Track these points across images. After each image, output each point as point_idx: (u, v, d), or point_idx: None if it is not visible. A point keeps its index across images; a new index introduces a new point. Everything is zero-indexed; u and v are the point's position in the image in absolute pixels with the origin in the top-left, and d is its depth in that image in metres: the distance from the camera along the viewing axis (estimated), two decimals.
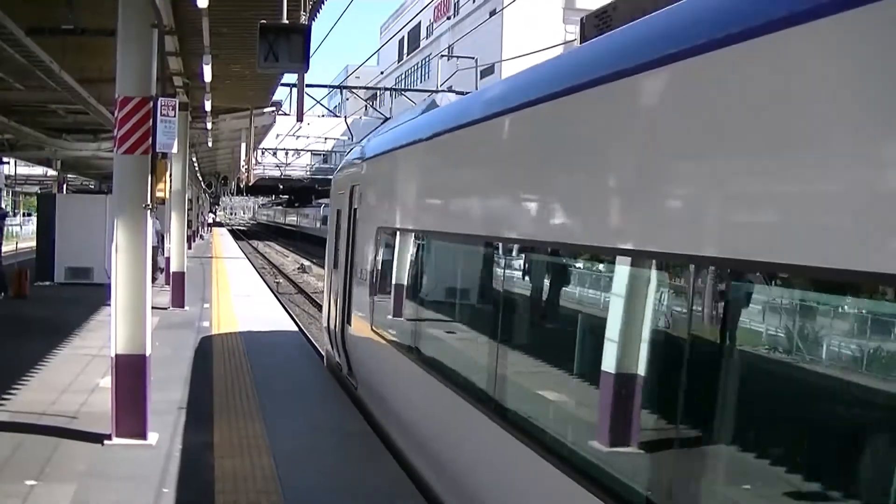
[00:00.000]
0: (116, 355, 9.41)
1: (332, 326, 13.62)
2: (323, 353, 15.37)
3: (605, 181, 5.22)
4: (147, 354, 9.51)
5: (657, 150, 4.59)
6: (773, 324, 4.01)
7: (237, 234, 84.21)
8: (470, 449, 7.08)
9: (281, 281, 37.08)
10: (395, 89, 43.14)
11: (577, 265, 5.99)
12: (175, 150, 9.82)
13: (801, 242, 3.51)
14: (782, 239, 3.64)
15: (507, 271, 6.84)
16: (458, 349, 8.08)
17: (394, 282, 9.97)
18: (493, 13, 34.95)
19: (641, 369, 4.74)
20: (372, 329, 10.70)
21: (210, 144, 31.70)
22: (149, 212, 9.56)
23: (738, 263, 3.93)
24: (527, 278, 6.79)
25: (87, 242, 23.81)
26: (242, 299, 24.09)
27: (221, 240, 63.72)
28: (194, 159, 39.09)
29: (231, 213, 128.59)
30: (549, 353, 6.14)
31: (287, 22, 9.21)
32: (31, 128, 25.52)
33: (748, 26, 3.85)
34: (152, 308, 10.07)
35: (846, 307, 3.63)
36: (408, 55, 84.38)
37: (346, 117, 39.28)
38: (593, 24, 6.31)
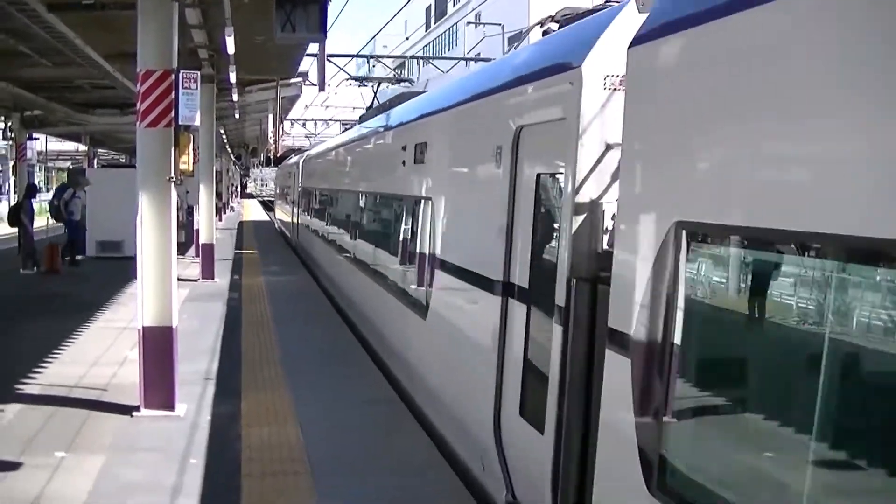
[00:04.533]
0: (143, 328, 9.47)
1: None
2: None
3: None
4: (174, 326, 9.56)
5: None
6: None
7: (268, 206, 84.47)
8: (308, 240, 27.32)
9: None
10: (421, 57, 42.76)
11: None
12: (198, 122, 9.81)
13: None
14: None
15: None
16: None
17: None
18: None
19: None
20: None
21: (237, 116, 31.76)
22: (173, 184, 9.59)
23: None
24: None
25: (118, 216, 23.68)
26: (271, 271, 24.22)
27: (252, 211, 63.94)
28: (222, 131, 39.15)
29: (262, 185, 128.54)
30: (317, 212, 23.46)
31: None
32: (58, 103, 25.66)
33: None
34: (182, 280, 10.11)
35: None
36: (435, 23, 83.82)
37: (373, 86, 39.07)
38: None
